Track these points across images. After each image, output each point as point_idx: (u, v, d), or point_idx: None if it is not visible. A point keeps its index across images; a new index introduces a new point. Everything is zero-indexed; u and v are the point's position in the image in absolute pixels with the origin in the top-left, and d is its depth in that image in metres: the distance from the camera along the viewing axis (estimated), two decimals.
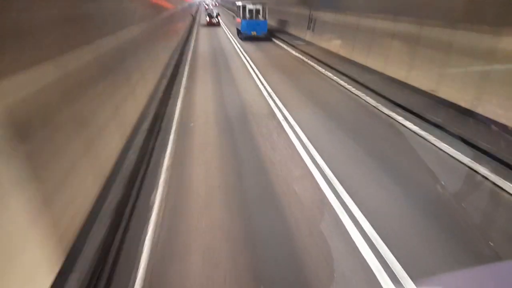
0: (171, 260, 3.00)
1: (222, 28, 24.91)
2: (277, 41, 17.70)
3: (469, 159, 4.74)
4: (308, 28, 15.92)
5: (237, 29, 20.12)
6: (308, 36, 16.01)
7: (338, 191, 4.00)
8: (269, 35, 18.68)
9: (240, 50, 15.02)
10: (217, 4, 64.25)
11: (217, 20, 26.48)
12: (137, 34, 7.41)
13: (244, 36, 18.20)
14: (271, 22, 20.73)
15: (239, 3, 18.40)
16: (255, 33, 18.01)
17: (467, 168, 4.60)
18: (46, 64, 2.90)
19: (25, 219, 2.30)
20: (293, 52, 14.18)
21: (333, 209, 3.69)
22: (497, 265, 1.03)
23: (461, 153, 4.92)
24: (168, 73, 9.94)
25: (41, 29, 2.92)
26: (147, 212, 3.65)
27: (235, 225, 3.48)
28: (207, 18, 26.63)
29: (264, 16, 18.07)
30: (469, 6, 6.15)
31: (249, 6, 17.76)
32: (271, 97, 8.09)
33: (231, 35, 20.85)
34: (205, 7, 46.73)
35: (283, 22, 20.76)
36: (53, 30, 3.16)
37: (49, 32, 3.07)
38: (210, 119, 6.66)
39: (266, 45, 16.74)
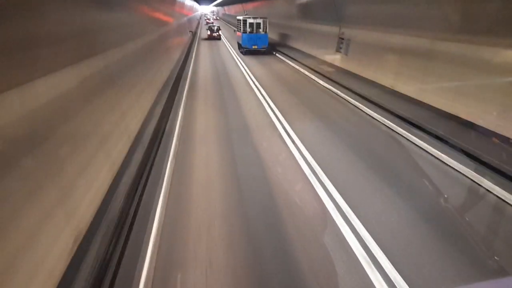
0: None
1: (223, 42, 24.82)
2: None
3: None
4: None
5: (238, 43, 19.78)
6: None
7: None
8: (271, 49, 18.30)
9: (243, 67, 14.48)
10: (218, 18, 65.09)
11: (217, 34, 26.68)
12: (132, 50, 6.86)
13: (245, 49, 17.82)
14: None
15: (240, 17, 18.11)
16: (256, 46, 17.66)
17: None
18: (40, 81, 2.84)
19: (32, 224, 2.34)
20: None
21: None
22: (503, 281, 0.92)
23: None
24: (168, 88, 9.50)
25: (46, 42, 2.96)
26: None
27: None
28: (208, 32, 26.85)
29: (264, 30, 17.73)
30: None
31: (250, 20, 17.45)
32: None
33: (231, 49, 20.50)
34: (206, 21, 47.11)
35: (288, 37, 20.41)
36: (58, 43, 3.20)
37: (54, 45, 3.10)
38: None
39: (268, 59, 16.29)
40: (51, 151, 2.83)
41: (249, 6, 29.20)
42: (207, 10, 75.63)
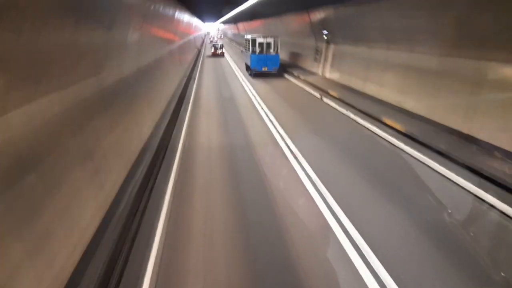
0: None
1: (229, 64, 23.20)
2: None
3: None
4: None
5: (246, 64, 18.14)
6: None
7: None
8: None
9: (246, 82, 12.68)
10: (222, 37, 64.23)
11: (221, 51, 28.63)
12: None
13: (254, 72, 16.17)
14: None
15: (248, 36, 16.52)
16: (266, 68, 15.99)
17: None
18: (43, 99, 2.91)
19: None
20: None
21: None
22: None
23: None
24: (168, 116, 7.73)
25: (47, 61, 2.97)
26: None
27: None
28: (212, 50, 28.78)
29: (276, 50, 16.09)
30: None
31: (259, 40, 15.85)
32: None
33: (238, 70, 18.89)
34: (210, 40, 45.82)
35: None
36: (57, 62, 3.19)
37: (55, 64, 3.13)
38: None
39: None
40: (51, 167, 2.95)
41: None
42: (212, 28, 72.31)
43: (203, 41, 44.01)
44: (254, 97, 11.60)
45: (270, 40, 15.98)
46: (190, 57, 22.33)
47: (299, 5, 13.94)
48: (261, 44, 15.90)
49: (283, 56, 18.28)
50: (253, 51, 15.90)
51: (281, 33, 17.77)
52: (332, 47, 13.55)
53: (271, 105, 10.22)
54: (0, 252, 2.16)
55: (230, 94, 12.58)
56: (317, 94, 11.64)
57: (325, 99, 10.82)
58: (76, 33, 3.47)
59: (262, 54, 15.95)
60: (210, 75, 18.04)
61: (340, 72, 12.72)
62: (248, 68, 17.47)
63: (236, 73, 18.07)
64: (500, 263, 3.46)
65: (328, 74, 13.97)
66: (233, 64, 21.80)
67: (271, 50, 16.10)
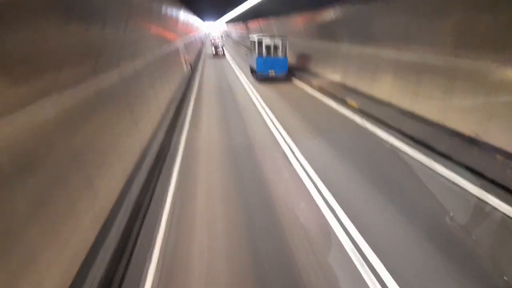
0: None
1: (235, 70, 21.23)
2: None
3: None
4: None
5: (251, 67, 16.59)
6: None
7: None
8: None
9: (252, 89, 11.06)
10: (223, 37, 61.74)
11: (222, 51, 28.24)
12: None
13: (260, 76, 14.66)
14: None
15: (254, 37, 14.94)
16: (273, 72, 14.48)
17: None
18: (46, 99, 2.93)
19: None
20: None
21: None
22: None
23: None
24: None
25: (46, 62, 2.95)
26: None
27: None
28: (213, 50, 28.26)
29: (284, 53, 14.54)
30: None
31: (266, 41, 14.29)
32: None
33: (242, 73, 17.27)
34: (211, 40, 43.51)
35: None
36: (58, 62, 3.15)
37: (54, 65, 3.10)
38: None
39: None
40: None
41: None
42: (214, 28, 67.94)
43: (200, 50, 33.12)
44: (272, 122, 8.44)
45: (278, 41, 14.44)
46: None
47: None
48: (268, 47, 14.36)
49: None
50: (260, 53, 14.38)
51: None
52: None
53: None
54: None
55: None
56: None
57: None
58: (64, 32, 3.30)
59: (269, 56, 14.43)
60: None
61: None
62: (253, 71, 15.97)
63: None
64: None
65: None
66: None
67: (279, 53, 14.56)
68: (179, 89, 12.10)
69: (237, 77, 16.48)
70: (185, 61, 16.98)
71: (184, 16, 17.40)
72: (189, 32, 23.07)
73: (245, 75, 16.67)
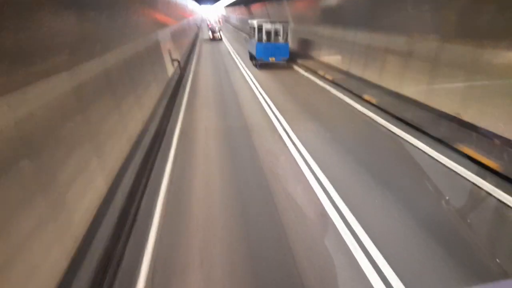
0: None
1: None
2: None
3: None
4: None
5: (250, 53, 16.27)
6: None
7: None
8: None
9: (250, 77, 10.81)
10: (220, 22, 59.91)
11: (219, 35, 28.32)
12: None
13: (259, 62, 14.40)
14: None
15: (254, 22, 14.57)
16: (274, 59, 14.22)
17: None
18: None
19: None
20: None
21: None
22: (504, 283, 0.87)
23: None
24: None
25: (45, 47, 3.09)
26: None
27: None
28: (210, 34, 28.33)
29: (285, 38, 14.24)
30: None
31: (266, 26, 13.95)
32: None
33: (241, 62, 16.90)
34: (207, 24, 42.28)
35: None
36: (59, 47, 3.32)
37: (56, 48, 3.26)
38: None
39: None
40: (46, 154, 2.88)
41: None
42: (211, 12, 65.09)
43: (195, 38, 29.07)
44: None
45: (279, 26, 14.11)
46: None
47: None
48: (268, 32, 14.02)
49: None
50: (259, 39, 14.05)
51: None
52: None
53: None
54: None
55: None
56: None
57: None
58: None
59: (269, 42, 14.13)
60: None
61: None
62: (252, 58, 15.67)
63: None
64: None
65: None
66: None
67: (280, 38, 14.25)
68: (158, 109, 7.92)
69: (238, 68, 15.07)
70: (172, 59, 12.43)
71: None
72: (181, 18, 20.33)
73: (246, 66, 15.22)
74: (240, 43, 25.19)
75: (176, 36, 16.09)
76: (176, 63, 13.08)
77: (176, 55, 13.48)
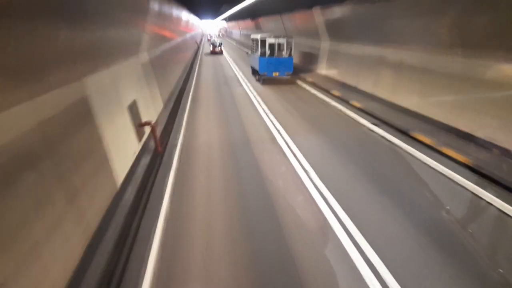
0: None
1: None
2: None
3: None
4: None
5: (253, 68, 15.74)
6: None
7: None
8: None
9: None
10: (221, 35, 60.52)
11: (219, 49, 28.02)
12: None
13: (262, 77, 13.82)
14: None
15: (257, 37, 14.10)
16: (278, 74, 13.65)
17: None
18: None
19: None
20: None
21: None
22: None
23: None
24: None
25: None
26: None
27: None
28: (211, 48, 28.14)
29: (289, 53, 13.73)
30: None
31: (270, 40, 13.45)
32: None
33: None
34: (208, 38, 42.39)
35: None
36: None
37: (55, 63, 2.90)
38: None
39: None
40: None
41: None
42: (212, 27, 65.66)
43: (194, 56, 25.54)
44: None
45: (283, 40, 13.61)
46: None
47: None
48: (271, 46, 13.51)
49: None
50: (262, 53, 13.55)
51: None
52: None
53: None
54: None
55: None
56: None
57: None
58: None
59: (273, 57, 13.62)
60: None
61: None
62: (255, 72, 15.14)
63: None
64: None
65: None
66: None
67: (284, 52, 13.75)
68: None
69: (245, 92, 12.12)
70: (138, 126, 5.79)
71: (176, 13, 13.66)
72: (176, 37, 15.93)
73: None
74: (247, 63, 19.47)
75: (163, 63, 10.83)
76: (147, 130, 6.40)
77: (154, 108, 7.84)
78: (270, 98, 11.21)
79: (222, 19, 41.87)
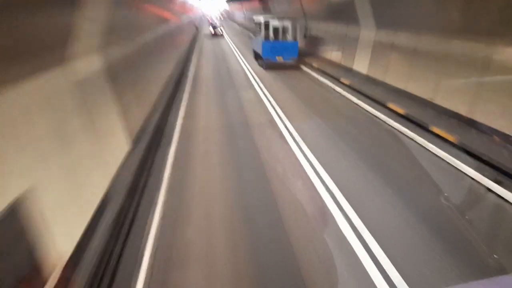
0: None
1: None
2: None
3: None
4: None
5: (255, 52, 15.15)
6: None
7: None
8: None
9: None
10: (222, 18, 58.70)
11: (220, 31, 27.88)
12: None
13: (266, 62, 13.27)
14: None
15: (260, 19, 13.46)
16: (281, 58, 13.10)
17: None
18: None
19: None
20: None
21: None
22: (502, 278, 0.86)
23: None
24: None
25: None
26: None
27: None
28: (211, 30, 27.93)
29: (294, 36, 13.15)
30: None
31: (274, 23, 12.85)
32: None
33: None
34: (208, 20, 41.22)
35: None
36: None
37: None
38: None
39: None
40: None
41: None
42: (212, 8, 64.10)
43: (193, 39, 23.16)
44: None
45: (287, 23, 13.02)
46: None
47: None
48: (276, 29, 12.94)
49: None
50: (266, 37, 12.94)
51: None
52: None
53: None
54: None
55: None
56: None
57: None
58: None
59: (277, 40, 13.03)
60: None
61: None
62: (257, 57, 14.57)
63: None
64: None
65: None
66: None
67: (288, 36, 13.17)
68: None
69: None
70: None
71: None
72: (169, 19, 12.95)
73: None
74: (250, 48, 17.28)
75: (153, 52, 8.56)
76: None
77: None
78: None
79: (223, 1, 39.98)
